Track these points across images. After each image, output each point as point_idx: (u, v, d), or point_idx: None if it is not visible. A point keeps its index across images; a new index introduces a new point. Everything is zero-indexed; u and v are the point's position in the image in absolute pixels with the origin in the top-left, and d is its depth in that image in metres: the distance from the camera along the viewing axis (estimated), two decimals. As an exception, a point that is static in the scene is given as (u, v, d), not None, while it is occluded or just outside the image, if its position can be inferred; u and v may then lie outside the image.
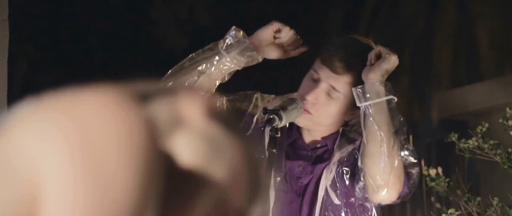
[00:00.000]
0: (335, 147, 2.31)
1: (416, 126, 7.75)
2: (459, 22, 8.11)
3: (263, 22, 2.31)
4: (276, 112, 2.06)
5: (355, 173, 2.25)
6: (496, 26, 8.04)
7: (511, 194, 3.04)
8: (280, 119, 2.06)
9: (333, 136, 2.32)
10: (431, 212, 3.00)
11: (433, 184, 2.88)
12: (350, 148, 2.30)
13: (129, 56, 7.70)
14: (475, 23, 8.04)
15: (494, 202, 2.85)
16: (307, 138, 2.34)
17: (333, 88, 2.25)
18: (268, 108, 2.12)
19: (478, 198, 2.88)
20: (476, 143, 2.89)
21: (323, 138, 2.32)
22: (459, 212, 2.69)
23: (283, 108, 2.10)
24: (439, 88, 8.19)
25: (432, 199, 3.00)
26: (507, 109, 2.84)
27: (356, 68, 2.24)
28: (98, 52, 7.66)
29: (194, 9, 8.05)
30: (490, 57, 7.98)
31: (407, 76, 8.22)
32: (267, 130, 2.16)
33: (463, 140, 2.91)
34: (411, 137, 5.16)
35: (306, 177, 2.30)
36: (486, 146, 2.89)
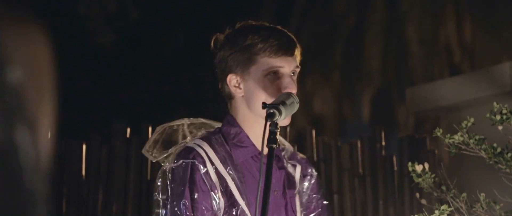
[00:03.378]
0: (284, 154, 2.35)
1: (390, 122, 7.79)
2: (389, 19, 8.17)
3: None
4: (276, 106, 2.01)
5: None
6: (425, 23, 8.13)
7: (496, 190, 3.02)
8: (280, 113, 2.01)
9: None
10: (422, 211, 2.95)
11: (419, 180, 2.83)
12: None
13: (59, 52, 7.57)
14: (405, 20, 8.11)
15: (481, 198, 2.81)
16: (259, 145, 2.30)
17: (297, 67, 2.26)
18: (266, 103, 2.06)
19: (463, 194, 2.84)
20: (461, 138, 2.85)
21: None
22: (452, 208, 2.65)
23: (282, 102, 2.05)
24: (369, 84, 8.26)
25: (417, 195, 2.95)
26: (494, 103, 2.80)
27: (296, 42, 2.28)
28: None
29: (122, 4, 7.94)
30: (420, 53, 8.07)
31: (338, 73, 8.25)
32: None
33: (448, 135, 2.87)
34: (383, 133, 5.15)
35: (282, 196, 2.31)
36: (471, 141, 2.85)
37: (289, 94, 2.13)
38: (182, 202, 2.18)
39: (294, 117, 2.22)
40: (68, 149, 4.57)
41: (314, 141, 4.97)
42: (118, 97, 7.76)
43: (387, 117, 7.92)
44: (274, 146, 1.97)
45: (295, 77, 2.26)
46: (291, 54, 2.24)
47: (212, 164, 2.21)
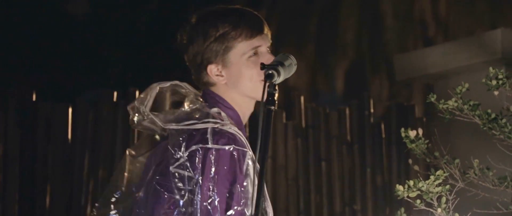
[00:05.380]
0: None
1: (371, 89, 7.79)
2: None
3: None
4: (274, 67, 1.98)
5: None
6: None
7: (488, 156, 3.00)
8: (279, 74, 1.98)
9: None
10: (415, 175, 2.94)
11: (412, 145, 2.80)
12: None
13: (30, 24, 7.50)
14: None
15: (475, 164, 2.80)
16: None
17: (271, 44, 2.29)
18: (265, 64, 2.02)
19: (457, 160, 2.82)
20: (455, 104, 2.83)
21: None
22: (447, 174, 2.63)
23: (280, 63, 2.02)
24: (344, 57, 8.28)
25: (410, 161, 2.93)
26: (490, 68, 2.78)
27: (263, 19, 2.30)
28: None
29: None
30: (394, 27, 8.08)
31: (313, 45, 8.25)
32: None
33: (443, 101, 2.84)
34: (371, 101, 5.13)
35: None
36: (465, 107, 2.83)
37: (287, 56, 2.11)
38: (235, 188, 2.13)
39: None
40: (54, 112, 4.51)
41: (302, 107, 4.94)
42: (105, 62, 7.70)
43: (362, 89, 7.92)
44: (273, 107, 1.94)
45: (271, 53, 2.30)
46: (263, 31, 2.28)
47: (252, 153, 2.19)
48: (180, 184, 2.13)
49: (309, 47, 8.29)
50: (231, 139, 2.17)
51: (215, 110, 2.25)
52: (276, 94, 1.97)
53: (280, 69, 2.01)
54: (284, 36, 8.00)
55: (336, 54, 8.32)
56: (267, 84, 1.98)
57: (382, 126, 5.11)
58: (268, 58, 2.22)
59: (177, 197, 2.13)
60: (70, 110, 4.56)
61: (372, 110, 5.08)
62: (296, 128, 4.89)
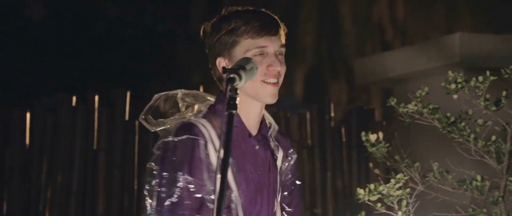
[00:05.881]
0: (270, 136, 2.39)
1: (330, 93, 7.83)
2: None
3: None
4: (235, 70, 1.97)
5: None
6: (358, 1, 8.21)
7: (448, 159, 3.03)
8: (240, 78, 1.97)
9: (263, 122, 2.40)
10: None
11: (373, 149, 2.82)
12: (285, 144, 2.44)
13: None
14: None
15: (434, 167, 2.82)
16: (251, 130, 2.35)
17: (283, 46, 2.34)
18: (226, 68, 2.02)
19: (417, 163, 2.84)
20: (415, 107, 2.85)
21: (260, 128, 2.37)
22: (408, 177, 2.64)
23: (242, 66, 2.02)
24: (303, 61, 8.34)
25: (371, 165, 2.95)
26: (449, 72, 2.80)
27: (279, 20, 2.37)
28: None
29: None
30: (353, 31, 8.15)
31: None
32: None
33: (403, 104, 2.86)
34: (332, 105, 5.14)
35: (267, 180, 2.34)
36: (425, 110, 2.85)
37: (249, 59, 2.11)
38: (182, 176, 2.23)
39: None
40: (11, 117, 4.45)
41: (263, 111, 4.94)
42: (64, 66, 7.62)
43: (321, 93, 7.96)
44: (234, 111, 1.93)
45: (281, 57, 2.33)
46: (274, 33, 2.31)
47: (213, 144, 2.27)
48: (149, 178, 2.28)
49: (269, 52, 8.31)
50: (189, 129, 2.26)
51: (202, 105, 2.35)
52: (238, 98, 1.97)
53: (242, 73, 2.01)
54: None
55: (296, 58, 8.36)
56: (229, 88, 1.97)
57: (342, 130, 5.13)
58: (273, 60, 2.28)
59: (147, 190, 2.29)
60: (28, 115, 4.50)
61: (332, 114, 5.09)
62: (256, 132, 4.89)
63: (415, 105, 2.85)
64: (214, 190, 2.21)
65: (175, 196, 2.21)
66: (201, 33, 2.37)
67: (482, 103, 2.76)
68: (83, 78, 7.50)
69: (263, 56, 2.29)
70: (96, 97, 4.62)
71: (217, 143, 2.26)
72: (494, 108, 2.75)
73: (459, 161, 3.01)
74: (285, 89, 8.48)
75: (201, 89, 4.82)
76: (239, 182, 2.27)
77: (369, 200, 2.64)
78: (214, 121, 2.30)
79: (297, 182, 2.47)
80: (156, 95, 2.38)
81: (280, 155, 2.41)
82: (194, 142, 2.24)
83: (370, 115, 5.17)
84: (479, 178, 2.78)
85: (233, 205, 2.25)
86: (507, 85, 2.77)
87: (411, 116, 2.86)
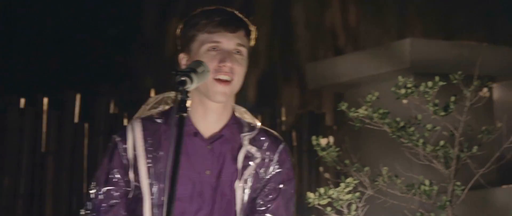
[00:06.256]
0: (243, 137, 2.32)
1: (283, 98, 7.84)
2: (275, 1, 8.27)
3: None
4: (186, 73, 1.96)
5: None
6: (311, 6, 8.28)
7: (396, 164, 3.06)
8: (191, 81, 1.96)
9: (229, 122, 2.33)
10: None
11: (323, 153, 2.83)
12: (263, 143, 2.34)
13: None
14: (291, 3, 8.23)
15: (384, 172, 2.84)
16: (203, 129, 2.30)
17: (242, 45, 2.30)
18: (178, 71, 2.01)
19: (366, 168, 2.86)
20: (365, 112, 2.87)
21: (222, 127, 2.31)
22: (358, 181, 2.66)
23: (193, 70, 2.01)
24: (256, 65, 8.37)
25: (321, 169, 2.96)
26: (399, 77, 2.83)
27: (245, 21, 2.34)
28: None
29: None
30: (304, 36, 8.21)
31: None
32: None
33: (353, 109, 2.88)
34: (283, 109, 5.15)
35: (215, 181, 2.28)
36: (375, 115, 2.87)
37: (200, 63, 2.10)
38: (98, 176, 2.32)
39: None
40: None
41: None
42: (12, 68, 7.52)
43: (273, 98, 7.98)
44: (184, 114, 1.92)
45: (239, 57, 2.29)
46: (232, 31, 2.28)
47: (134, 144, 2.29)
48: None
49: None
50: (120, 130, 2.34)
51: (160, 108, 2.35)
52: (188, 101, 1.95)
53: (193, 76, 1.99)
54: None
55: (248, 62, 8.36)
56: (179, 90, 1.95)
57: (293, 134, 5.14)
58: (225, 57, 2.24)
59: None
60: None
61: (283, 118, 5.10)
62: (208, 136, 4.87)
63: (366, 110, 2.87)
64: (138, 187, 2.26)
65: (100, 197, 2.30)
66: (177, 31, 2.37)
67: (431, 108, 2.79)
68: (32, 80, 7.41)
69: (216, 52, 2.26)
70: (45, 100, 4.56)
71: (139, 141, 2.28)
72: (442, 113, 2.79)
73: (408, 165, 3.04)
74: (238, 93, 8.50)
75: (152, 93, 4.78)
76: (160, 185, 2.26)
77: (319, 204, 2.66)
78: (153, 119, 2.31)
79: (282, 186, 2.37)
80: (150, 99, 2.40)
81: (257, 159, 2.32)
82: (116, 142, 2.31)
83: (321, 119, 5.19)
84: (427, 182, 2.81)
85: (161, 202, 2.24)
86: (455, 91, 2.80)
87: (361, 121, 2.88)
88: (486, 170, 2.83)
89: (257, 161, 2.32)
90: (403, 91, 2.78)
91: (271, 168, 2.35)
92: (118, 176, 2.29)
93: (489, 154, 2.86)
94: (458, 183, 2.81)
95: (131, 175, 2.28)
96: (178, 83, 1.95)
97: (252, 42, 2.38)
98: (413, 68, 4.26)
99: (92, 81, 7.24)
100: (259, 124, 2.40)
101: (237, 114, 2.38)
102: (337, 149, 2.85)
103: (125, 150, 2.29)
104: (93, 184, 2.32)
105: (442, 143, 2.80)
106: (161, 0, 8.13)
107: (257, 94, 8.22)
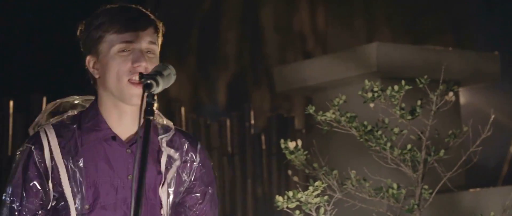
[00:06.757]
0: (161, 140, 2.25)
1: (253, 101, 7.84)
2: (244, 5, 8.29)
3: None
4: (152, 76, 1.95)
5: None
6: (280, 10, 8.31)
7: (365, 167, 3.06)
8: (157, 84, 1.95)
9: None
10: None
11: (292, 157, 2.83)
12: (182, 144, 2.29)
13: None
14: (260, 6, 8.26)
15: (352, 175, 2.85)
16: (120, 133, 2.22)
17: (153, 43, 2.21)
18: (144, 73, 1.99)
19: (335, 171, 2.86)
20: (333, 116, 2.87)
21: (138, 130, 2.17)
22: (326, 184, 2.66)
23: (159, 72, 1.99)
24: (225, 69, 8.38)
25: (290, 172, 2.95)
26: (366, 81, 2.83)
27: (152, 18, 2.24)
28: None
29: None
30: (274, 40, 8.24)
31: (194, 57, 8.29)
32: None
33: (321, 112, 2.88)
34: (252, 112, 5.15)
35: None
36: (342, 118, 2.88)
37: (167, 65, 2.08)
38: (14, 187, 2.20)
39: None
40: None
41: (183, 118, 4.92)
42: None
43: (243, 101, 7.99)
44: (151, 118, 1.90)
45: (152, 55, 2.21)
46: (142, 28, 2.19)
47: (51, 152, 2.19)
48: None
49: (190, 59, 8.28)
50: (30, 138, 2.23)
51: (65, 115, 2.26)
52: (155, 104, 1.94)
53: (159, 79, 1.98)
54: (165, 47, 7.95)
55: (218, 66, 8.35)
56: (146, 94, 1.94)
57: (263, 137, 5.14)
58: (138, 57, 2.15)
59: None
60: None
61: (252, 121, 5.10)
62: (176, 139, 4.86)
63: (333, 113, 2.87)
64: (60, 196, 2.18)
65: (19, 210, 2.18)
66: (78, 32, 2.27)
67: (397, 112, 2.80)
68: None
69: (129, 53, 2.17)
70: (11, 103, 4.51)
71: (55, 149, 2.18)
72: (409, 117, 2.80)
73: (376, 169, 3.05)
74: (207, 96, 8.48)
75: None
76: (89, 189, 2.18)
77: (288, 207, 2.65)
78: (66, 125, 2.22)
79: (210, 190, 2.33)
80: (48, 105, 2.30)
81: (177, 160, 2.26)
82: (29, 152, 2.20)
83: (290, 122, 5.20)
84: (395, 186, 2.82)
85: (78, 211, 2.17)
86: (422, 95, 2.81)
87: (329, 124, 2.88)
88: (453, 173, 2.84)
89: (177, 163, 2.27)
90: (369, 95, 2.79)
91: (194, 169, 2.31)
92: (38, 186, 2.18)
93: (456, 157, 2.87)
94: (426, 187, 2.82)
95: (50, 184, 2.18)
96: (144, 86, 1.94)
97: (160, 40, 2.28)
98: (380, 72, 4.29)
99: (59, 85, 7.18)
100: (172, 125, 2.34)
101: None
102: (305, 152, 2.85)
103: (42, 158, 2.19)
104: (8, 198, 2.19)
105: (409, 146, 2.81)
106: (128, 1, 8.10)
107: (228, 97, 8.22)
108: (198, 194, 2.31)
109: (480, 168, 3.44)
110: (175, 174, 2.26)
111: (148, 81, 1.94)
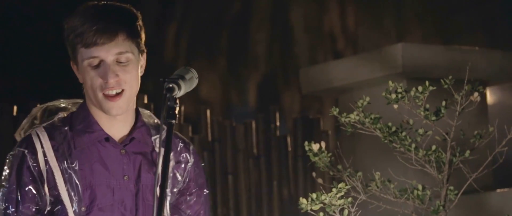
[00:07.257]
0: (155, 141, 2.22)
1: (283, 102, 7.85)
2: (274, 6, 8.28)
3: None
4: (174, 80, 1.96)
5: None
6: (310, 10, 8.29)
7: (390, 169, 3.05)
8: (179, 88, 1.96)
9: (137, 125, 2.22)
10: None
11: (315, 159, 2.82)
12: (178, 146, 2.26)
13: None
14: (290, 7, 8.24)
15: (376, 177, 2.84)
16: (113, 134, 2.20)
17: (121, 53, 2.12)
18: (166, 78, 2.00)
19: (359, 173, 2.86)
20: (357, 117, 2.86)
21: (131, 130, 2.20)
22: (350, 186, 2.65)
23: (181, 76, 2.00)
24: (255, 70, 8.38)
25: (314, 174, 2.95)
26: (390, 82, 2.83)
27: (124, 20, 2.15)
28: None
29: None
30: (304, 40, 8.22)
31: (224, 58, 8.30)
32: None
33: (345, 114, 2.88)
34: (277, 114, 5.15)
35: (134, 187, 2.19)
36: (367, 120, 2.87)
37: (189, 69, 2.08)
38: (7, 192, 2.15)
39: (184, 100, 2.15)
40: None
41: (209, 121, 4.93)
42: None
43: (273, 102, 7.99)
44: (173, 121, 1.91)
45: (124, 64, 2.14)
46: (109, 40, 2.11)
47: (45, 155, 2.16)
48: None
49: (221, 61, 8.30)
50: (22, 141, 2.18)
51: (55, 117, 2.23)
52: (177, 108, 1.95)
53: (181, 82, 1.98)
54: (194, 49, 7.98)
55: (248, 67, 8.36)
56: (167, 97, 1.95)
57: (288, 139, 5.14)
58: (104, 73, 2.10)
59: None
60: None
61: (278, 123, 5.10)
62: (202, 142, 4.88)
63: (357, 115, 2.86)
64: (56, 200, 2.15)
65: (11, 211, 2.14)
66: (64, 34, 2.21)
67: (422, 113, 2.79)
68: (24, 87, 7.39)
69: (97, 68, 2.12)
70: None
71: (49, 152, 2.14)
72: (434, 118, 2.78)
73: (401, 170, 3.04)
74: (237, 98, 8.48)
75: (146, 99, 4.78)
76: (86, 191, 2.15)
77: (311, 210, 2.65)
78: (58, 128, 2.18)
79: (205, 191, 2.31)
80: (34, 109, 2.27)
81: (171, 160, 2.23)
82: (22, 155, 2.15)
83: (316, 124, 5.19)
84: (420, 187, 2.81)
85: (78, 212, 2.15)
86: (446, 95, 2.80)
87: (353, 126, 2.88)
88: (479, 174, 2.82)
89: (172, 163, 2.25)
90: (393, 96, 2.78)
91: (188, 170, 2.29)
92: (33, 191, 2.13)
93: (482, 158, 2.85)
94: (451, 188, 2.80)
95: (46, 188, 2.14)
96: (166, 90, 1.94)
97: (141, 37, 2.19)
98: (405, 73, 4.27)
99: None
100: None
101: (144, 118, 2.27)
102: (330, 154, 2.84)
103: (35, 161, 2.15)
104: (2, 204, 2.14)
105: (434, 147, 2.80)
106: (158, 4, 8.12)
107: (257, 99, 8.22)
108: (193, 196, 2.30)
109: (507, 168, 3.41)
110: (171, 174, 2.25)
111: (170, 85, 1.95)
